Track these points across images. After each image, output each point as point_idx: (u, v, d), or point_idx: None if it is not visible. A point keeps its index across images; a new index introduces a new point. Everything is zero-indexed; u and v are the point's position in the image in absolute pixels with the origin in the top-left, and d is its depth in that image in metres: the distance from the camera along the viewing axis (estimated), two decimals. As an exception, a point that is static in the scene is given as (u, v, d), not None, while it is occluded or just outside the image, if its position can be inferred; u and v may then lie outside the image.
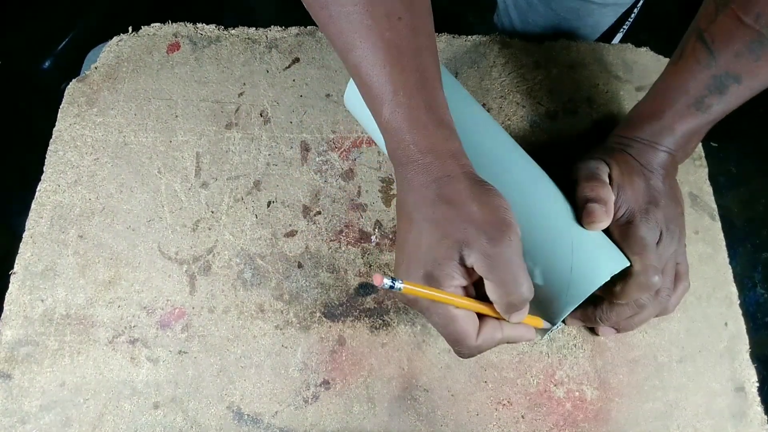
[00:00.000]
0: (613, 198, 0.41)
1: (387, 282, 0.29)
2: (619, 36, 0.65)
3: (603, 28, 0.63)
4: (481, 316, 0.35)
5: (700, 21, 0.41)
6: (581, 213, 0.40)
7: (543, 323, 0.39)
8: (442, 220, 0.33)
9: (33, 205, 0.48)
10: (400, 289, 0.30)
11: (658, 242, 0.40)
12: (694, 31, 0.41)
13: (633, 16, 0.63)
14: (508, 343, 0.36)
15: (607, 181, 0.42)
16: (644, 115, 0.44)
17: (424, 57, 0.35)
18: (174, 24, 0.56)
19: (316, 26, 0.56)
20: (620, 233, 0.41)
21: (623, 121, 0.46)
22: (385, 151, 0.39)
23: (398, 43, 0.34)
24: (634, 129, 0.44)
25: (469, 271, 0.33)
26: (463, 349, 0.34)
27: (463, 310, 0.33)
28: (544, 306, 0.39)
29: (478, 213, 0.33)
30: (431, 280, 0.33)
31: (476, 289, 0.35)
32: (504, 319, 0.35)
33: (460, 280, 0.33)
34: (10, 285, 0.45)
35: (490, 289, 0.33)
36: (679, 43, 0.43)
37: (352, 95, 0.46)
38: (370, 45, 0.33)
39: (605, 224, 0.40)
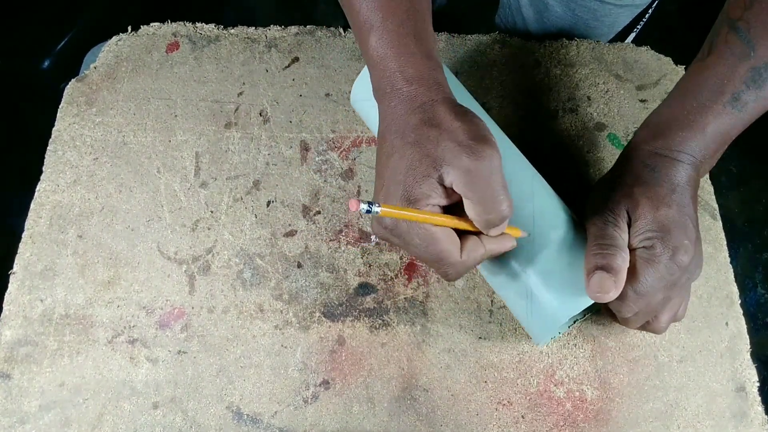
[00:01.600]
0: (626, 266, 0.36)
1: (363, 206, 0.28)
2: (632, 36, 0.65)
3: (619, 28, 0.62)
4: (460, 234, 0.34)
5: (732, 11, 0.37)
6: (588, 278, 0.36)
7: (521, 232, 0.37)
8: (423, 141, 0.32)
9: (32, 205, 0.48)
10: (377, 212, 0.29)
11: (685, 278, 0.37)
12: (725, 23, 0.37)
13: (647, 16, 0.63)
14: (491, 256, 0.36)
15: (623, 242, 0.37)
16: (668, 119, 0.39)
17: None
18: (173, 23, 0.56)
19: (316, 25, 0.56)
20: (634, 258, 0.37)
21: (643, 128, 0.41)
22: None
23: None
24: (657, 137, 0.38)
25: (447, 191, 0.32)
26: (449, 269, 0.33)
27: (444, 228, 0.33)
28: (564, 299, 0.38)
29: (459, 131, 0.32)
30: (410, 200, 0.32)
31: (453, 213, 0.34)
32: (483, 234, 0.34)
33: (438, 199, 0.32)
34: (10, 285, 0.45)
35: (469, 207, 0.32)
36: (706, 39, 0.39)
37: (360, 90, 0.46)
38: None
39: (613, 297, 0.35)
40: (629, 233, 0.37)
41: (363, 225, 0.49)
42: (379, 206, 0.29)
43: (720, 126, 0.37)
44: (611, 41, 0.61)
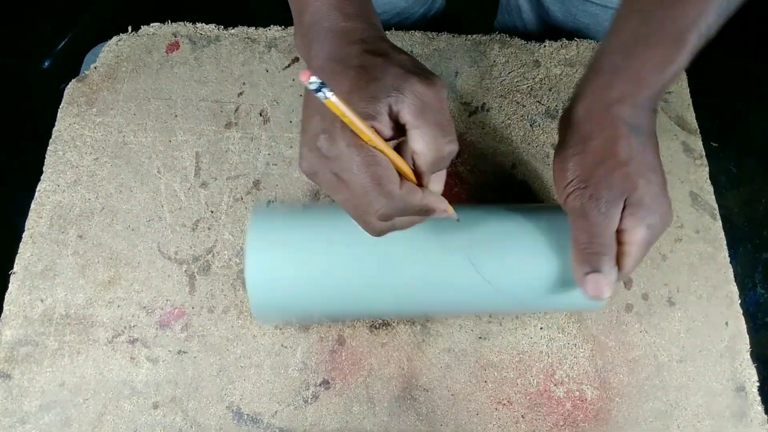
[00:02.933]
0: (614, 248, 0.34)
1: (314, 81, 0.24)
2: None
3: None
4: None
5: None
6: (582, 283, 0.34)
7: (453, 212, 0.35)
8: (369, 66, 0.30)
9: (33, 205, 0.48)
10: (326, 97, 0.24)
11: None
12: None
13: None
14: (423, 214, 0.32)
15: (611, 232, 0.34)
16: (638, 66, 0.35)
17: None
18: (173, 23, 0.56)
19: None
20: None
21: (603, 80, 0.36)
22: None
23: None
24: (636, 90, 0.35)
25: (391, 125, 0.30)
26: (385, 201, 0.29)
27: (384, 156, 0.29)
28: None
29: (407, 61, 0.30)
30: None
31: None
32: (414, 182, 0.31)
33: (382, 126, 0.29)
34: (10, 285, 0.45)
35: (417, 138, 0.29)
36: None
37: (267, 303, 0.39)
38: None
39: (609, 293, 0.34)
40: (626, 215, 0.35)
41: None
42: (332, 92, 0.25)
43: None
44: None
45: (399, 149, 0.31)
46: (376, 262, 0.38)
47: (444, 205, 0.33)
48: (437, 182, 0.32)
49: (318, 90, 0.24)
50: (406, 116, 0.29)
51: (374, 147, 0.29)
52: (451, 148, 0.30)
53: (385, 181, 0.29)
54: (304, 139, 0.30)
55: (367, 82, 0.29)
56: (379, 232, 0.32)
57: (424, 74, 0.30)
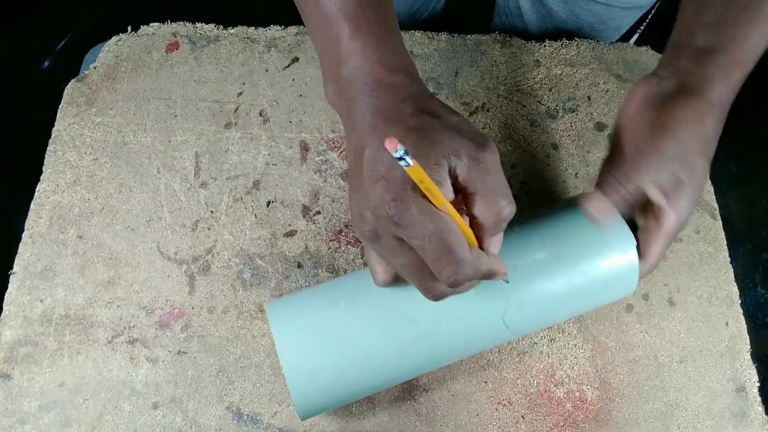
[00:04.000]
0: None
1: (401, 150, 0.24)
2: (635, 37, 0.65)
3: (623, 30, 0.62)
4: None
5: None
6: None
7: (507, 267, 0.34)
8: (428, 128, 0.29)
9: (32, 205, 0.48)
10: (410, 164, 0.25)
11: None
12: None
13: (650, 17, 0.63)
14: (487, 278, 0.32)
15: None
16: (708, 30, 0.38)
17: None
18: (173, 23, 0.56)
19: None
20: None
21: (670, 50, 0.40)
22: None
23: None
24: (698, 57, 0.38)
25: (452, 190, 0.30)
26: (459, 267, 0.29)
27: (452, 220, 0.29)
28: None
29: (461, 123, 0.30)
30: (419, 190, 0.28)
31: None
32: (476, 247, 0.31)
33: (446, 191, 0.29)
34: (10, 285, 0.45)
35: (477, 202, 0.30)
36: None
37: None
38: None
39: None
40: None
41: (363, 225, 0.49)
42: (413, 160, 0.24)
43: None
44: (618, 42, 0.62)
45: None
46: (410, 331, 0.37)
47: (505, 268, 0.33)
48: (496, 245, 0.32)
49: (402, 158, 0.24)
50: (467, 181, 0.29)
51: (446, 212, 0.29)
52: (511, 210, 0.30)
53: (457, 248, 0.28)
54: (364, 203, 0.29)
55: (429, 146, 0.29)
56: (440, 297, 0.32)
57: (479, 137, 0.30)
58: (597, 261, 0.37)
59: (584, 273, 0.37)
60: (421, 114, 0.30)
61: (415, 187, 0.28)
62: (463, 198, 0.31)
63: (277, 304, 0.38)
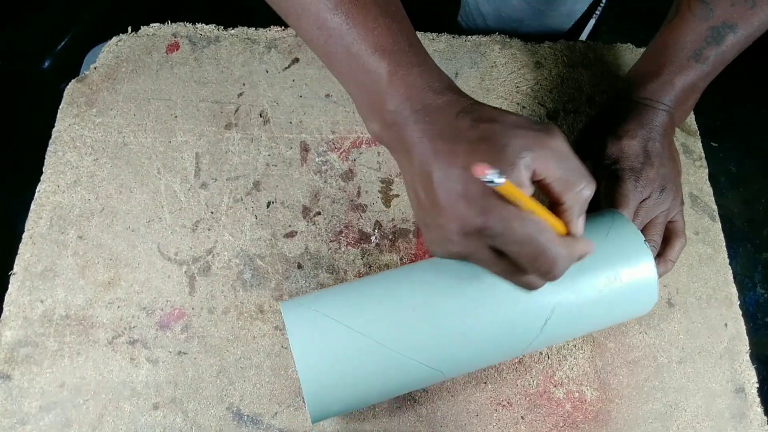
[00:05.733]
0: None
1: (492, 174, 0.25)
2: (591, 22, 0.65)
3: (576, 16, 0.63)
4: None
5: None
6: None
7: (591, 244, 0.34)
8: (490, 135, 0.30)
9: (32, 206, 0.48)
10: (501, 183, 0.25)
11: (646, 199, 0.42)
12: None
13: (603, 3, 0.63)
14: (579, 260, 0.33)
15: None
16: (643, 73, 0.45)
17: (400, 3, 0.34)
18: (173, 24, 0.56)
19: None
20: (606, 188, 0.42)
21: (622, 82, 0.47)
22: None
23: None
24: (633, 89, 0.45)
25: (531, 185, 0.31)
26: (557, 264, 0.30)
27: (542, 219, 0.30)
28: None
29: (519, 119, 0.31)
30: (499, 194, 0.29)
31: None
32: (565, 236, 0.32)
33: (528, 188, 0.30)
34: (10, 286, 0.45)
35: (561, 187, 0.30)
36: (673, 4, 0.45)
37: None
38: (349, 2, 0.32)
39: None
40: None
41: (363, 226, 0.49)
42: (504, 178, 0.25)
43: (686, 78, 0.44)
44: (570, 31, 0.62)
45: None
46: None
47: (592, 247, 0.33)
48: (581, 225, 0.33)
49: (492, 181, 0.25)
50: (546, 171, 0.30)
51: (533, 213, 0.29)
52: (592, 188, 0.31)
53: (551, 246, 0.29)
54: (449, 224, 0.29)
55: (499, 151, 0.29)
56: (538, 287, 0.33)
57: (542, 126, 0.30)
58: (617, 276, 0.37)
59: (606, 288, 0.37)
60: (480, 123, 0.30)
61: (499, 195, 0.28)
62: (542, 188, 0.31)
63: (292, 304, 0.37)
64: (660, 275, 0.42)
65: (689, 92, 0.44)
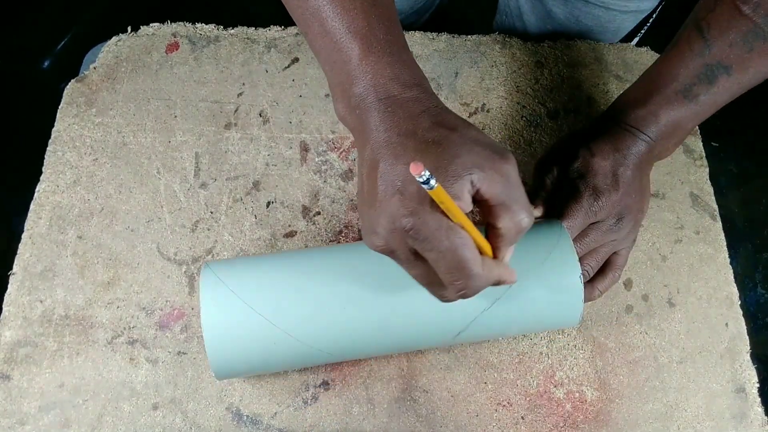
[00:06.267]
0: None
1: (425, 174, 0.25)
2: (635, 40, 0.65)
3: (623, 34, 0.63)
4: None
5: (699, 11, 0.41)
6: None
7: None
8: (446, 142, 0.29)
9: (32, 206, 0.48)
10: (433, 187, 0.25)
11: (599, 222, 0.41)
12: (691, 21, 0.42)
13: (651, 20, 0.63)
14: (497, 284, 0.33)
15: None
16: (630, 99, 0.44)
17: None
18: (173, 24, 0.56)
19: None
20: (562, 199, 0.41)
21: (610, 106, 0.46)
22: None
23: None
24: (618, 113, 0.44)
25: (470, 201, 0.30)
26: (471, 281, 0.30)
27: (468, 235, 0.29)
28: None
29: (480, 136, 0.30)
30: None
31: None
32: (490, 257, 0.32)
33: (465, 204, 0.29)
34: (9, 286, 0.45)
35: (500, 212, 0.30)
36: (676, 33, 0.44)
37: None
38: None
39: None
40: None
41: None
42: (437, 183, 0.25)
43: (672, 112, 0.42)
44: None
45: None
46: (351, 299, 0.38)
47: (514, 277, 0.33)
48: (510, 253, 0.33)
49: (426, 182, 0.25)
50: (490, 193, 0.29)
51: (461, 226, 0.29)
52: (530, 221, 0.31)
53: (470, 263, 0.29)
54: (379, 217, 0.29)
55: (448, 160, 0.29)
56: (450, 301, 0.33)
57: (498, 149, 0.30)
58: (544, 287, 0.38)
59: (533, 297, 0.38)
60: (438, 127, 0.30)
61: (432, 201, 0.28)
62: (481, 208, 0.31)
63: (212, 280, 0.38)
64: (585, 301, 0.41)
65: (673, 128, 0.42)
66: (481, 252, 0.31)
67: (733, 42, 0.39)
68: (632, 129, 0.42)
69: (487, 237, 0.32)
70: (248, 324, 0.36)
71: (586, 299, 0.41)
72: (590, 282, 0.42)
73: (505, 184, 0.30)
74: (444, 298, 0.32)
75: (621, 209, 0.41)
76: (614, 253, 0.42)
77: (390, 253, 0.31)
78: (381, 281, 0.37)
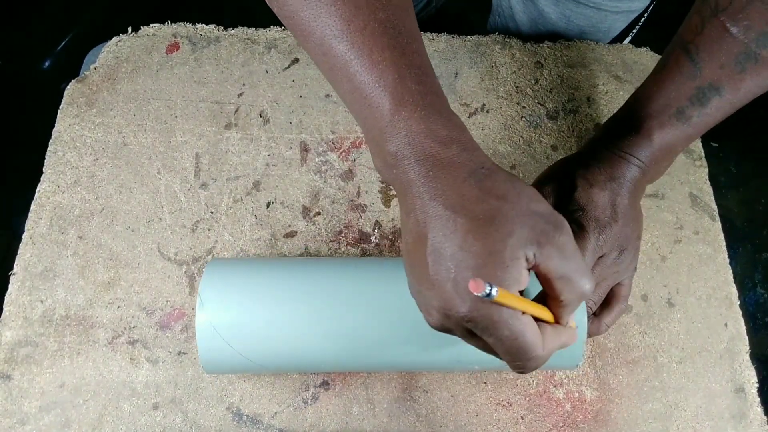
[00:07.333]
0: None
1: (487, 288, 0.24)
2: (627, 40, 0.65)
3: (614, 34, 0.63)
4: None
5: (685, 34, 0.41)
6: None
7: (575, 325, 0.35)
8: (497, 218, 0.27)
9: (32, 206, 0.48)
10: (494, 296, 0.25)
11: (602, 256, 0.40)
12: (678, 44, 0.41)
13: (643, 20, 0.63)
14: (560, 349, 0.32)
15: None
16: (622, 124, 0.43)
17: (417, 35, 0.31)
18: (173, 24, 0.56)
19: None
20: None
21: (600, 130, 0.45)
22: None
23: (394, 23, 0.29)
24: (609, 139, 0.43)
25: (527, 275, 0.29)
26: (530, 362, 0.29)
27: (529, 317, 0.29)
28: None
29: (532, 203, 0.29)
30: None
31: None
32: (553, 324, 0.32)
33: (524, 282, 0.28)
34: (10, 286, 0.45)
35: (561, 286, 0.29)
36: (662, 56, 0.43)
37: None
38: (359, 28, 0.29)
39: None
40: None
41: (363, 226, 0.49)
42: (497, 290, 0.25)
43: (665, 135, 0.41)
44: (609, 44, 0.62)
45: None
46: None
47: (575, 337, 0.33)
48: (572, 319, 0.32)
49: (488, 294, 0.24)
50: (548, 269, 0.28)
51: (522, 314, 0.28)
52: (591, 287, 0.30)
53: (531, 348, 0.28)
54: (433, 300, 0.28)
55: (503, 240, 0.27)
56: (531, 371, 0.32)
57: (552, 218, 0.29)
58: None
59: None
60: (487, 198, 0.28)
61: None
62: (539, 279, 0.30)
63: (207, 332, 0.38)
64: (590, 336, 0.41)
65: (666, 152, 0.41)
66: (543, 321, 0.30)
67: (724, 64, 0.38)
68: (626, 155, 0.41)
69: (547, 304, 0.31)
70: (243, 330, 0.38)
71: (594, 334, 0.42)
72: (597, 316, 0.42)
73: (562, 257, 0.28)
74: (516, 368, 0.31)
75: (622, 241, 0.40)
76: (618, 284, 0.42)
77: (446, 331, 0.30)
78: (383, 308, 0.38)
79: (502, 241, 0.27)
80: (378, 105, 0.30)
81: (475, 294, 0.24)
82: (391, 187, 0.49)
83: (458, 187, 0.28)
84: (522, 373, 0.31)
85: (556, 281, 0.29)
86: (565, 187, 0.42)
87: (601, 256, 0.40)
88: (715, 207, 0.52)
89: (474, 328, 0.28)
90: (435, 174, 0.29)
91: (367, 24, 0.29)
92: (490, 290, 0.24)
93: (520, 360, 0.29)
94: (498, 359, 0.31)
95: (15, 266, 0.46)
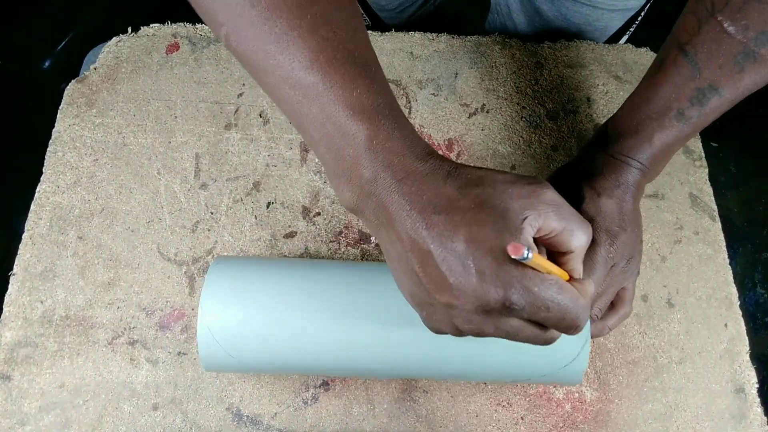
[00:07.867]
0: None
1: (524, 251, 0.25)
2: (624, 38, 0.65)
3: (611, 32, 0.63)
4: None
5: (680, 34, 0.41)
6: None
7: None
8: (486, 199, 0.28)
9: (32, 206, 0.48)
10: (530, 258, 0.25)
11: (612, 266, 0.40)
12: (674, 45, 0.41)
13: (639, 19, 0.63)
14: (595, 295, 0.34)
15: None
16: (621, 127, 0.43)
17: (378, 63, 0.32)
18: (173, 24, 0.56)
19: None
20: None
21: (597, 134, 0.45)
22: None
23: (360, 52, 0.30)
24: (609, 142, 0.43)
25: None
26: (582, 313, 0.29)
27: (556, 276, 0.29)
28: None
29: (507, 177, 0.29)
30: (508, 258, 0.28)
31: None
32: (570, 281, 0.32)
33: (535, 250, 0.28)
34: (10, 286, 0.45)
35: (563, 239, 0.30)
36: (656, 57, 0.43)
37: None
38: (329, 59, 0.29)
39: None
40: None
41: (362, 226, 0.49)
42: (530, 252, 0.25)
43: (665, 137, 0.41)
44: (606, 43, 0.62)
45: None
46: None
47: (594, 286, 0.33)
48: (582, 268, 0.33)
49: (525, 258, 0.25)
50: (549, 227, 0.29)
51: (551, 274, 0.29)
52: (589, 232, 0.31)
53: (574, 303, 0.29)
54: (462, 304, 0.28)
55: (501, 217, 0.28)
56: (555, 340, 0.32)
57: (530, 180, 0.30)
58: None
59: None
60: (468, 190, 0.29)
61: (514, 263, 0.27)
62: (546, 242, 0.30)
63: (209, 345, 0.38)
64: (592, 336, 0.41)
65: (666, 152, 0.42)
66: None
67: (723, 64, 0.38)
68: (627, 159, 0.41)
69: (556, 263, 0.31)
70: (244, 328, 0.37)
71: (597, 335, 0.42)
72: (600, 319, 0.42)
73: (555, 211, 0.29)
74: (551, 341, 0.31)
75: (630, 249, 0.40)
76: (622, 288, 0.42)
77: (478, 334, 0.30)
78: (385, 315, 0.38)
79: (502, 218, 0.28)
80: (353, 133, 0.29)
81: (514, 257, 0.25)
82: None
83: (440, 192, 0.29)
84: (576, 331, 0.30)
85: (558, 237, 0.30)
86: (569, 198, 0.41)
87: (611, 266, 0.40)
88: (715, 207, 0.52)
89: (518, 308, 0.28)
90: (418, 188, 0.29)
91: (335, 55, 0.29)
92: (527, 252, 0.25)
93: (572, 321, 0.29)
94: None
95: (15, 266, 0.46)
